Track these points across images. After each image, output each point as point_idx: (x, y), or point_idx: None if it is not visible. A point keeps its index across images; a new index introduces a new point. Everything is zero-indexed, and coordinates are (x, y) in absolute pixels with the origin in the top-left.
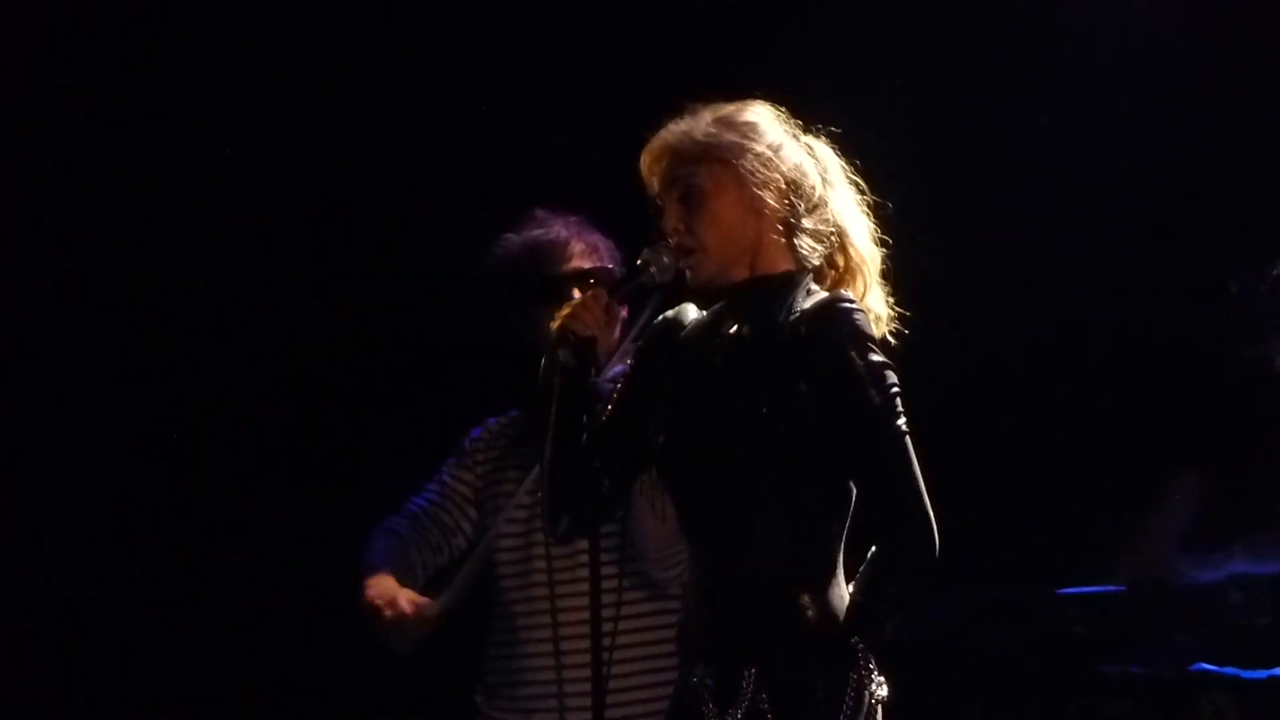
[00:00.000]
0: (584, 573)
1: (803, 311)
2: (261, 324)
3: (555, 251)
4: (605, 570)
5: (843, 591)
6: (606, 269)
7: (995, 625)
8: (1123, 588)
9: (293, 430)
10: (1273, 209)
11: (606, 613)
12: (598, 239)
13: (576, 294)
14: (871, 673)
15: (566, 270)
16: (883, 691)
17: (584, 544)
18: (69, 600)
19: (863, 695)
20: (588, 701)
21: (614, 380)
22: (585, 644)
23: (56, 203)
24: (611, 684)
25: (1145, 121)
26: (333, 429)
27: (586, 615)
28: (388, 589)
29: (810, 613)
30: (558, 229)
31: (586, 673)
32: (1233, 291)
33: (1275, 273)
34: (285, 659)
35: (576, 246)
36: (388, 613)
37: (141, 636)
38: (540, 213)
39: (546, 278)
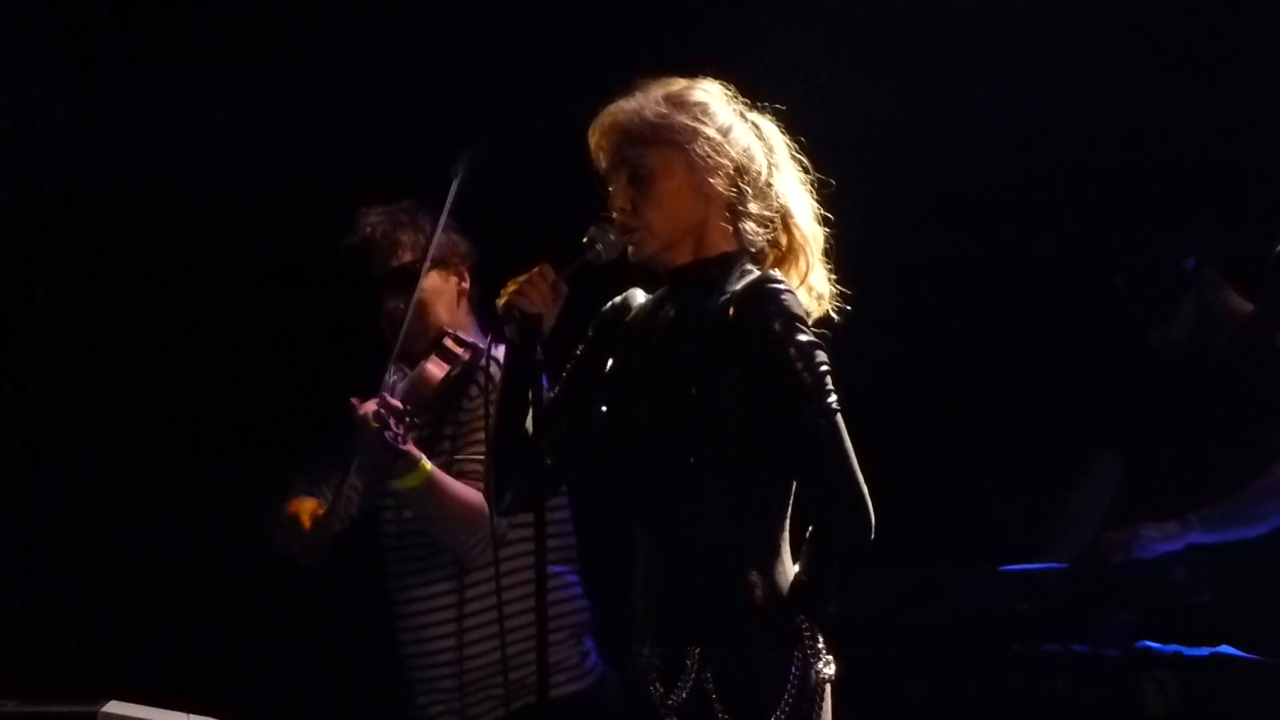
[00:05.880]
0: (416, 552)
1: (733, 293)
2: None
3: (366, 252)
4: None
5: (788, 570)
6: (415, 264)
7: (936, 603)
8: (1064, 565)
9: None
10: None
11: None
12: (407, 229)
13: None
14: (818, 651)
15: (375, 274)
16: (829, 670)
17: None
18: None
19: (808, 674)
20: (438, 683)
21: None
22: (432, 625)
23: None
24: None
25: (1066, 109)
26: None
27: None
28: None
29: (755, 592)
30: (368, 228)
31: (433, 649)
32: (1119, 285)
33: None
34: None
35: (385, 245)
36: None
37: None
38: (360, 210)
39: (362, 283)
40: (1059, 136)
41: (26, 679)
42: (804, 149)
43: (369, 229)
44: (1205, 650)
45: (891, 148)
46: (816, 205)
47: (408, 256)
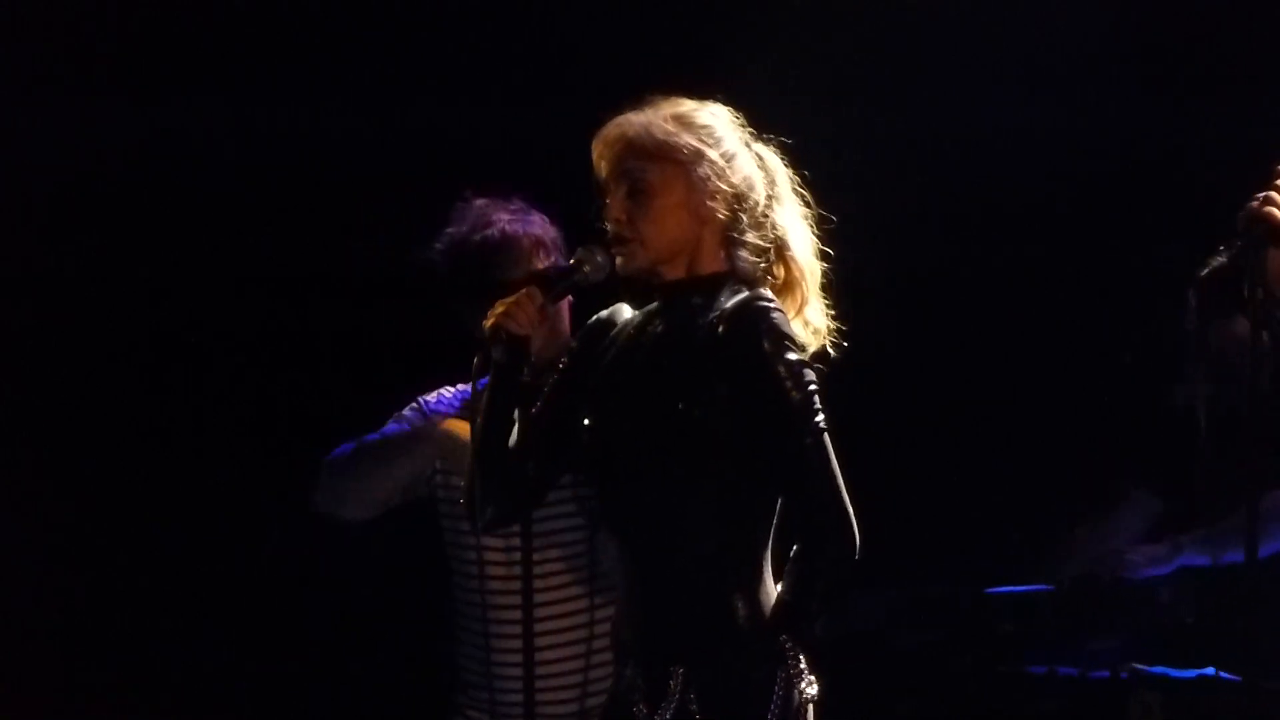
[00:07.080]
0: (551, 567)
1: (722, 311)
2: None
3: (508, 253)
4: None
5: (770, 590)
6: (559, 267)
7: (923, 624)
8: (1050, 587)
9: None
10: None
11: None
12: (540, 227)
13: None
14: (800, 671)
15: (522, 274)
16: (812, 690)
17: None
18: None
19: (791, 694)
20: (559, 707)
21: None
22: (561, 646)
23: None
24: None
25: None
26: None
27: (556, 614)
28: None
29: (738, 612)
30: (506, 225)
31: (559, 672)
32: (1126, 361)
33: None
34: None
35: (528, 244)
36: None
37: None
38: (479, 202)
39: (501, 282)
40: (1061, 146)
41: (26, 685)
42: (807, 182)
43: (506, 227)
44: (1192, 672)
45: (887, 154)
46: (816, 240)
47: (548, 261)
